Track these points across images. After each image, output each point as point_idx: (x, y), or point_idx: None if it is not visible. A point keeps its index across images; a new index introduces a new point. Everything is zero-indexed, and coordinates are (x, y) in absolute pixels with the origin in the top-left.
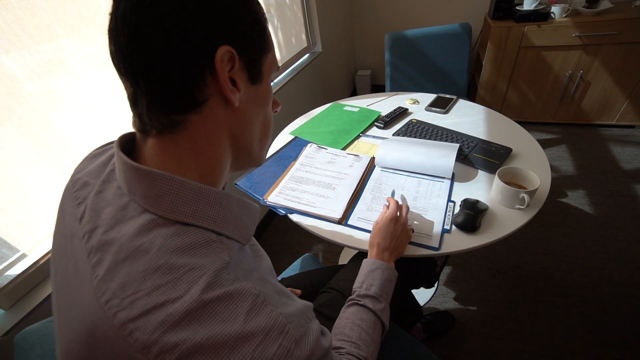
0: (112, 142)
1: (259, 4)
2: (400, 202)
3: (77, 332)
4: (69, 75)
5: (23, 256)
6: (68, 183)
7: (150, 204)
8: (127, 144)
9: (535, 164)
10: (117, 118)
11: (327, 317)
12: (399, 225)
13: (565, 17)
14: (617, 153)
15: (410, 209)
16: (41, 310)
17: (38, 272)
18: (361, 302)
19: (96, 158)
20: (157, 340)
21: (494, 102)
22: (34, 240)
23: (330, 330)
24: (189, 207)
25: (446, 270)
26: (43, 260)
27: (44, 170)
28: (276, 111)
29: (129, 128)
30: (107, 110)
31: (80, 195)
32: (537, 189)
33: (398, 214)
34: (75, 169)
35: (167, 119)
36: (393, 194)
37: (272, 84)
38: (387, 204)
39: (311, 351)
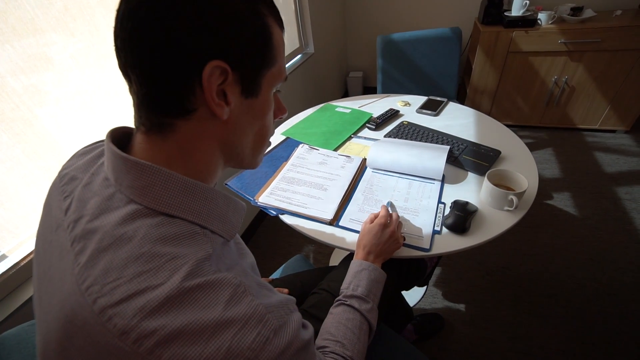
0: (101, 141)
1: (275, 15)
2: (390, 211)
3: (57, 320)
4: (54, 71)
5: (3, 257)
6: (55, 179)
7: (136, 194)
8: (118, 138)
9: (523, 166)
10: (105, 116)
11: (317, 318)
12: (387, 231)
13: (551, 24)
14: (600, 157)
15: (401, 210)
16: (20, 314)
17: (18, 274)
18: (347, 302)
19: (85, 155)
20: (135, 325)
21: (484, 105)
22: (14, 241)
23: (319, 331)
24: (175, 199)
25: (436, 271)
26: (24, 262)
27: (26, 168)
28: (281, 117)
29: (117, 125)
30: (94, 108)
31: (68, 189)
32: (525, 191)
33: (388, 222)
34: (63, 166)
35: (156, 120)
36: (388, 204)
37: None
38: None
39: (290, 341)
